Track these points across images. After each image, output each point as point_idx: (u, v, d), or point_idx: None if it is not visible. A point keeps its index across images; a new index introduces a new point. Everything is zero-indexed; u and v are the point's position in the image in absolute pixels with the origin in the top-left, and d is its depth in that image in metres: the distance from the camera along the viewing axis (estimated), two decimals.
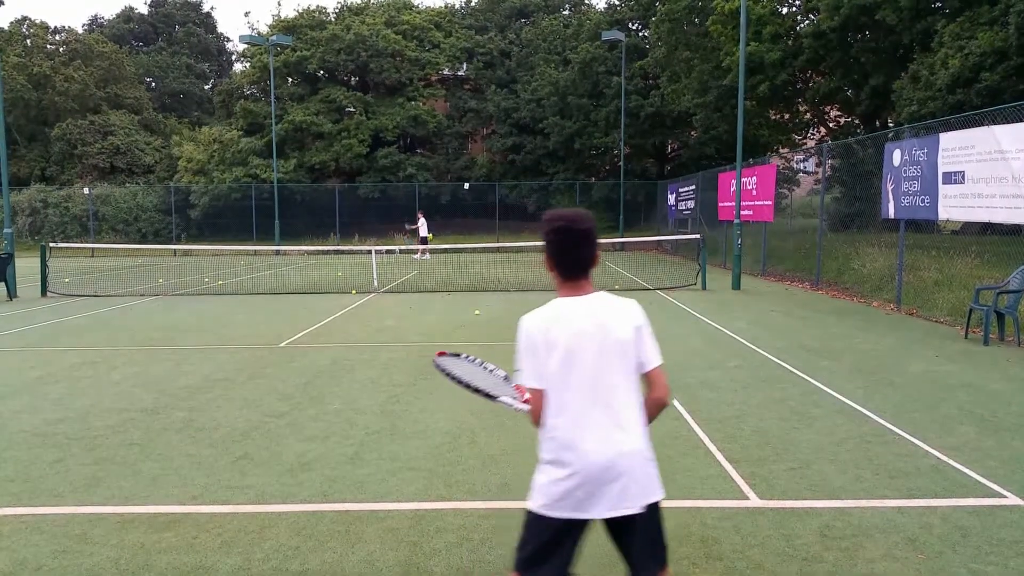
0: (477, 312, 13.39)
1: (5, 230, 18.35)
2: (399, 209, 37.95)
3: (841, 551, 3.84)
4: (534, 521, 2.51)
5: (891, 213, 13.71)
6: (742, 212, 18.31)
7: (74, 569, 3.77)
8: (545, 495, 2.47)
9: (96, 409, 7.01)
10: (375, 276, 18.96)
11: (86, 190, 39.18)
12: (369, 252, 20.74)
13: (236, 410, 6.94)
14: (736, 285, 17.24)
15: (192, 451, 5.73)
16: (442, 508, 4.56)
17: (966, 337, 10.25)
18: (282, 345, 10.43)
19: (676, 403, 6.91)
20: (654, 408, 2.55)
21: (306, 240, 37.01)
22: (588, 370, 2.45)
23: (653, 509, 2.50)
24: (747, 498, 4.56)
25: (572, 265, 2.55)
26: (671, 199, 31.59)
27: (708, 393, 7.30)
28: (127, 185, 41.44)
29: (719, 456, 5.40)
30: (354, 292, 17.30)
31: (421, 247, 28.89)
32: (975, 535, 4.10)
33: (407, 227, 31.34)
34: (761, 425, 6.22)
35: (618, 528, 2.50)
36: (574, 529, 2.47)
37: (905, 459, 5.28)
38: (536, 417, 2.54)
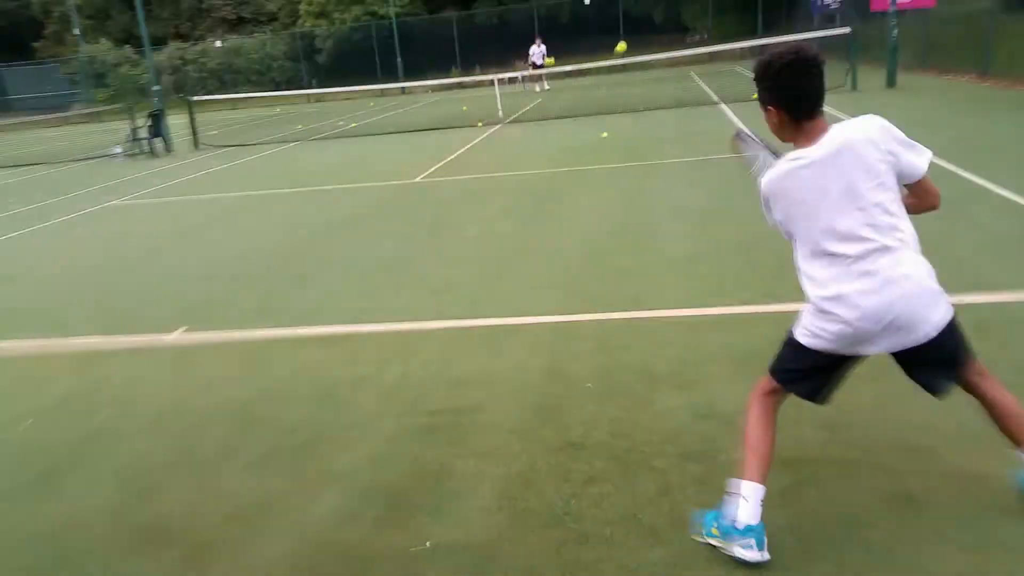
0: (605, 134, 13.09)
1: (154, 88, 19.45)
2: (518, 37, 36.61)
3: (996, 342, 3.65)
4: (796, 347, 2.42)
5: None
6: None
7: (257, 382, 4.25)
8: (812, 336, 2.37)
9: (257, 246, 7.61)
10: (499, 106, 18.77)
11: (217, 43, 40.34)
12: (492, 82, 20.41)
13: (380, 240, 7.33)
14: (891, 82, 15.78)
15: (346, 278, 6.17)
16: (579, 320, 4.72)
17: None
18: (417, 180, 10.73)
19: None
20: (924, 209, 2.38)
21: (429, 75, 36.82)
22: (840, 219, 2.26)
23: (943, 330, 2.30)
24: None
25: (803, 103, 2.30)
26: None
27: None
28: (255, 35, 42.25)
29: None
30: (480, 124, 17.28)
31: (536, 72, 26.69)
32: None
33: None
34: (916, 223, 5.86)
35: (900, 356, 2.38)
36: (845, 361, 2.40)
37: None
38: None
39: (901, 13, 16.74)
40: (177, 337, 5.13)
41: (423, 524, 2.76)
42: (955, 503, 2.57)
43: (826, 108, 2.34)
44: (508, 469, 3.07)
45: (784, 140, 2.40)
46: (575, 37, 38.34)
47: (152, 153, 17.33)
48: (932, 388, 2.44)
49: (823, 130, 2.30)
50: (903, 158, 2.27)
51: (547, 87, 27.48)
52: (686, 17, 37.50)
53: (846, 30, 16.69)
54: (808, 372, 2.44)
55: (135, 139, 17.53)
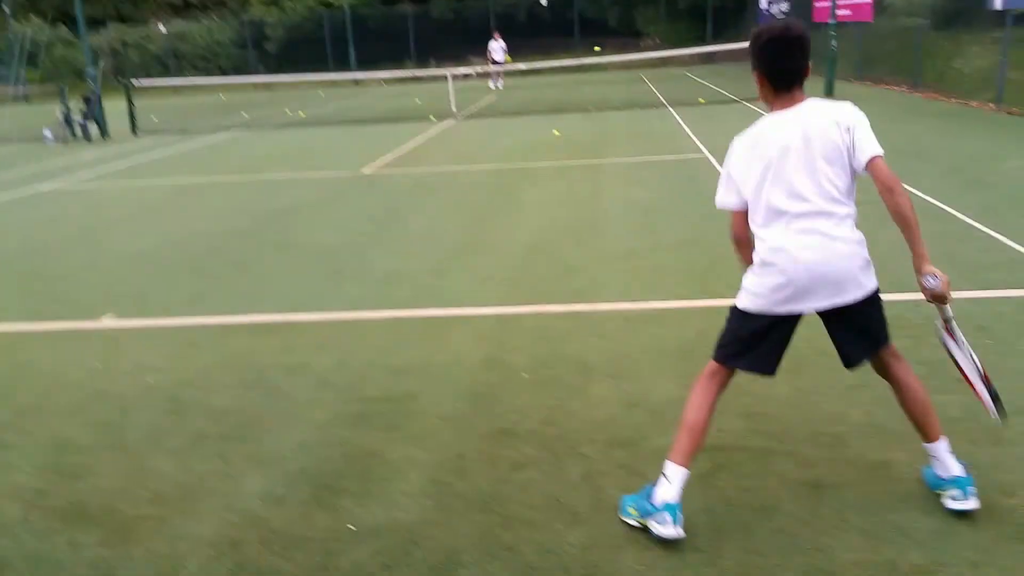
0: (556, 132, 13.18)
1: (88, 69, 18.81)
2: (474, 32, 36.53)
3: (909, 339, 3.83)
4: (738, 317, 2.55)
5: (998, 4, 12.44)
6: (838, 11, 16.88)
7: (187, 369, 4.18)
8: (752, 295, 2.50)
9: (195, 233, 7.46)
10: (453, 102, 18.72)
11: (162, 28, 39.30)
12: (446, 77, 20.34)
13: (325, 231, 7.27)
14: (829, 91, 16.22)
15: (286, 268, 6.10)
16: (522, 312, 4.77)
17: None
18: (365, 171, 10.64)
19: None
20: (889, 200, 2.41)
21: (382, 67, 36.46)
22: (795, 178, 2.41)
23: (867, 300, 2.46)
24: None
25: (781, 75, 2.47)
26: (763, 2, 29.25)
27: None
28: (201, 21, 41.26)
29: None
30: (432, 118, 17.22)
31: (495, 69, 26.66)
32: None
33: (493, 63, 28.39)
34: None
35: (828, 317, 2.51)
36: (782, 323, 2.49)
37: (985, 254, 5.18)
38: (736, 238, 2.60)
39: (840, 25, 17.27)
40: (105, 323, 5.01)
41: (350, 508, 2.76)
42: (859, 490, 2.68)
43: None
44: (439, 455, 3.09)
45: (766, 103, 2.56)
46: (530, 36, 38.41)
47: (86, 138, 16.78)
48: (849, 357, 2.56)
49: (799, 101, 2.48)
50: (856, 135, 2.42)
51: (500, 87, 27.17)
52: (639, 22, 37.89)
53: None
54: (748, 342, 2.53)
55: (67, 122, 16.91)
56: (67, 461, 3.25)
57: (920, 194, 6.78)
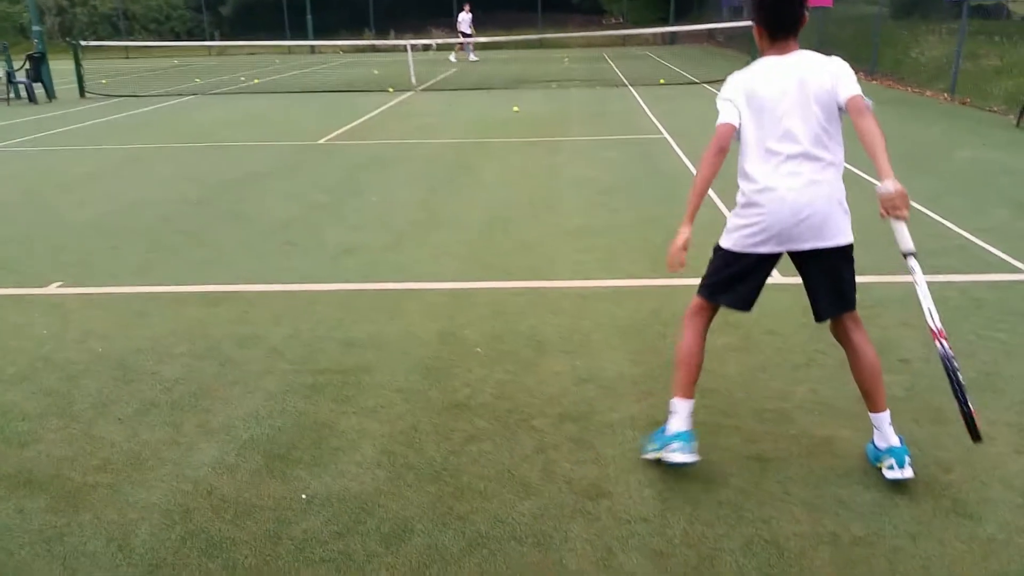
0: (516, 109, 13.15)
1: (34, 27, 18.12)
2: (434, 3, 36.05)
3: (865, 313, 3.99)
4: (722, 255, 2.69)
5: None
6: None
7: (136, 338, 4.11)
8: (737, 234, 2.62)
9: (145, 201, 7.30)
10: (412, 74, 18.51)
11: None
12: (406, 48, 20.07)
13: (279, 201, 7.16)
14: None
15: (239, 238, 6.01)
16: (477, 287, 4.79)
17: (1018, 125, 9.92)
18: (321, 142, 10.50)
19: (711, 192, 6.92)
20: (861, 122, 2.47)
21: (340, 36, 35.80)
22: (787, 120, 2.53)
23: (843, 253, 2.60)
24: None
25: (778, 23, 2.59)
26: None
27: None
28: None
29: None
30: (391, 90, 17.01)
31: (462, 42, 26.30)
32: (989, 306, 4.22)
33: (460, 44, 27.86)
34: None
35: (806, 264, 2.63)
36: (763, 262, 2.63)
37: (934, 239, 5.34)
38: (720, 147, 2.61)
39: None
40: (53, 290, 4.90)
41: (301, 477, 2.78)
42: (803, 465, 2.78)
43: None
44: (391, 427, 3.11)
45: (762, 51, 2.69)
46: (493, 10, 38.04)
47: (31, 99, 16.18)
48: (820, 311, 2.70)
49: (793, 50, 2.61)
50: (841, 82, 2.54)
51: (475, 59, 26.84)
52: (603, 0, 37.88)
53: (749, 24, 17.27)
54: (731, 280, 2.68)
55: (11, 82, 16.29)
56: (13, 428, 3.19)
57: (872, 179, 6.95)
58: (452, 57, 26.60)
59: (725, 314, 4.03)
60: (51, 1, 37.88)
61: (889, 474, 2.60)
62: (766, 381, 3.42)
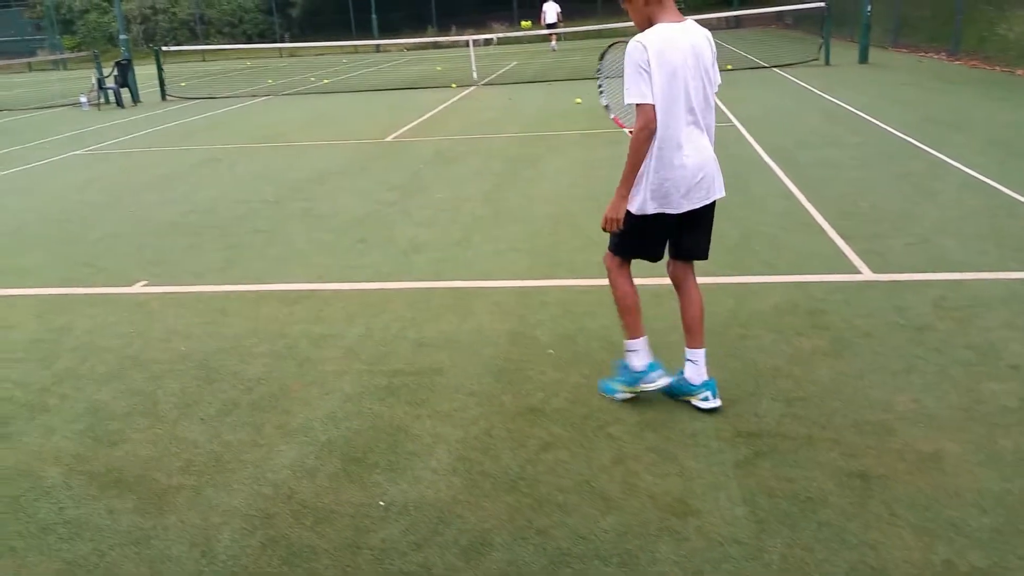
0: (578, 100, 12.99)
1: (121, 36, 18.87)
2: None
3: (954, 321, 3.76)
4: (635, 220, 2.93)
5: None
6: None
7: (218, 337, 4.20)
8: (647, 198, 2.89)
9: (222, 201, 7.47)
10: (474, 69, 18.52)
11: None
12: (467, 43, 20.11)
13: (350, 199, 7.24)
14: (863, 58, 15.85)
15: (313, 236, 6.08)
16: (545, 285, 4.72)
17: None
18: (388, 139, 10.59)
19: (787, 182, 6.68)
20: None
21: (404, 34, 36.17)
22: (688, 89, 2.78)
23: (712, 206, 3.00)
24: (859, 272, 4.44)
25: None
26: None
27: (824, 171, 6.99)
28: None
29: (831, 232, 5.24)
30: (454, 86, 17.07)
31: (552, 32, 26.47)
32: None
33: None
34: (879, 202, 5.96)
35: (687, 221, 2.94)
36: (664, 223, 2.94)
37: None
38: (649, 131, 2.77)
39: None
40: (138, 289, 5.04)
41: (378, 483, 2.76)
42: (909, 483, 2.57)
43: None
44: (465, 432, 3.07)
45: (652, 21, 2.81)
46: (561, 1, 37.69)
47: (118, 103, 16.85)
48: (692, 251, 3.09)
49: (680, 16, 2.82)
50: (715, 63, 2.92)
51: (555, 47, 27.30)
52: None
53: (821, 4, 16.67)
54: (646, 241, 3.03)
55: (101, 88, 17.01)
56: (104, 427, 3.28)
57: (962, 167, 6.60)
58: (552, 45, 27.61)
59: (812, 315, 3.93)
60: (136, 10, 39.40)
61: (704, 404, 3.01)
62: (864, 389, 3.21)
